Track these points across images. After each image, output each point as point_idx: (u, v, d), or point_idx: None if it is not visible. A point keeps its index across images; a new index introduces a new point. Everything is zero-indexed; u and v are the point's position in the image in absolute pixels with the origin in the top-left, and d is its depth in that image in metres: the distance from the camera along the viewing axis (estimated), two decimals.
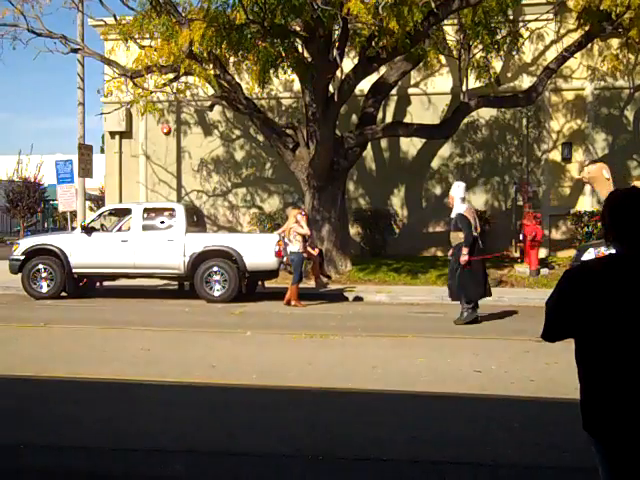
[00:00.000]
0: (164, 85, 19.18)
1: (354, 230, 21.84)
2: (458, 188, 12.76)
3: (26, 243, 17.23)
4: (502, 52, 19.98)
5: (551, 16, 21.15)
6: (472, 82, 19.87)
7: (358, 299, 16.37)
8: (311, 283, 17.03)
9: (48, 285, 16.45)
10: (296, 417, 6.81)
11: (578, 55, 20.01)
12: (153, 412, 6.97)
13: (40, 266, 16.43)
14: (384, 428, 6.36)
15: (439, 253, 21.87)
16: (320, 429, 6.39)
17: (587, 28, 18.48)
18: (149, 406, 7.21)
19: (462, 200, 12.62)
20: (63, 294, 16.43)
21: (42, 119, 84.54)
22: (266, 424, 6.51)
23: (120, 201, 23.25)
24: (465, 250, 12.13)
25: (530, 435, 6.14)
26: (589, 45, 19.73)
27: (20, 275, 16.50)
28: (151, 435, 6.24)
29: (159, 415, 6.83)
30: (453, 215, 12.60)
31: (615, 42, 19.64)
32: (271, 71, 19.01)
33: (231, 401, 7.47)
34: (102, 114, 22.74)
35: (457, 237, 12.42)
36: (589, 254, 14.23)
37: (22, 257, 16.56)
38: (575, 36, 19.52)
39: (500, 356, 9.56)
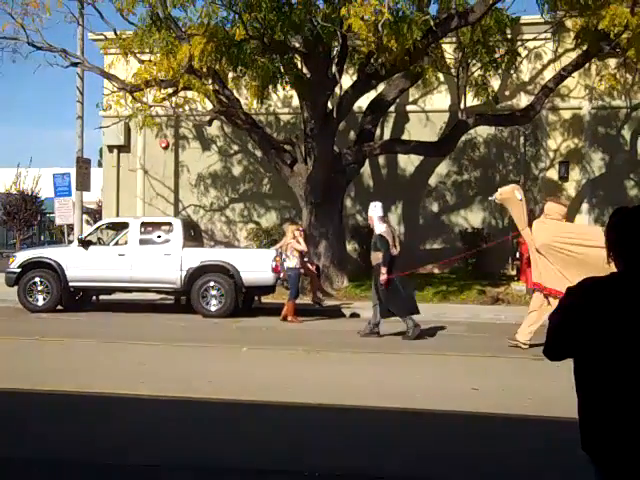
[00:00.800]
0: (163, 100, 19.20)
1: (351, 246, 21.84)
2: (375, 208, 12.90)
3: (23, 256, 17.19)
4: (500, 71, 20.08)
5: (549, 35, 21.26)
6: (470, 100, 19.94)
7: (354, 315, 16.35)
8: (308, 299, 17.00)
9: (44, 298, 16.40)
10: (292, 433, 6.79)
11: (576, 74, 20.09)
12: (144, 427, 6.94)
13: (36, 279, 16.38)
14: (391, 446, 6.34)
15: (436, 270, 21.87)
16: (310, 446, 6.37)
17: (585, 48, 18.57)
18: (141, 421, 7.18)
19: (381, 219, 12.80)
20: (59, 307, 16.38)
21: (41, 132, 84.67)
22: (258, 439, 6.49)
23: (117, 215, 23.24)
24: (384, 269, 12.33)
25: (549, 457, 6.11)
26: (587, 64, 19.80)
27: (16, 288, 16.44)
28: (139, 449, 6.21)
29: (149, 430, 6.81)
30: (374, 237, 12.76)
31: (613, 62, 19.75)
32: (270, 87, 19.10)
33: (220, 416, 7.43)
34: (101, 128, 22.79)
35: (377, 257, 12.61)
36: None
37: (18, 270, 16.53)
38: (573, 55, 19.62)
39: (497, 374, 9.54)
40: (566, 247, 11.39)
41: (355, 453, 6.14)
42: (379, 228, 12.69)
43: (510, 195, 12.52)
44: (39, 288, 16.41)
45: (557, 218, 11.92)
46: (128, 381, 8.80)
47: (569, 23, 19.37)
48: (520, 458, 6.03)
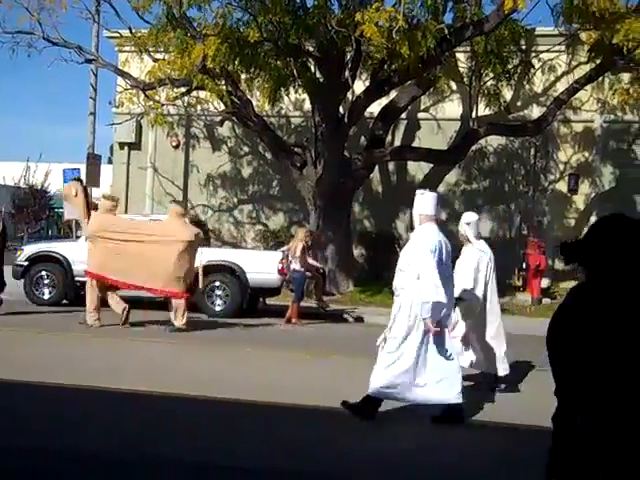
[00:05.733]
0: (175, 98, 19.29)
1: (358, 251, 21.85)
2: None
3: (30, 249, 17.26)
4: (513, 81, 20.11)
5: (563, 48, 21.23)
6: (482, 109, 19.97)
7: (359, 320, 16.35)
8: (313, 302, 17.00)
9: (50, 292, 16.45)
10: (292, 434, 6.81)
11: (588, 87, 20.08)
12: (149, 422, 6.97)
13: (43, 272, 16.42)
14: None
15: None
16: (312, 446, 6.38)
17: (598, 61, 18.57)
18: (143, 416, 7.21)
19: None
20: (64, 301, 16.42)
21: (52, 127, 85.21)
22: (256, 441, 6.51)
23: (125, 212, 23.26)
24: None
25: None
26: (600, 78, 19.80)
27: (23, 281, 16.49)
28: (152, 444, 6.24)
29: (151, 425, 6.84)
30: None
31: (626, 76, 19.71)
32: (282, 89, 19.17)
33: (223, 415, 7.45)
34: (112, 124, 22.88)
35: None
36: None
37: (26, 263, 16.58)
38: (586, 68, 19.61)
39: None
40: (114, 237, 13.02)
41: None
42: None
43: (68, 191, 13.82)
44: (45, 282, 16.45)
45: (108, 212, 13.46)
46: (130, 377, 8.81)
47: (583, 36, 19.36)
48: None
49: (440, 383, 7.02)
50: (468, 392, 8.48)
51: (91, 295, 13.13)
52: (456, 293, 7.98)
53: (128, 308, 13.17)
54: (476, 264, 8.68)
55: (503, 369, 8.89)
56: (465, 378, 7.76)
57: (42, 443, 6.09)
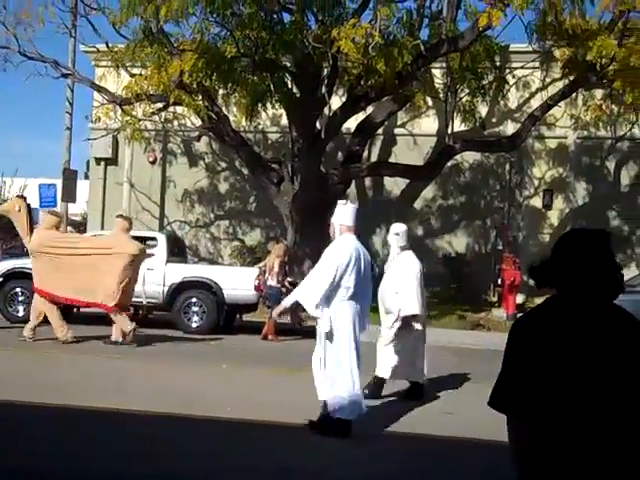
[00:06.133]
0: (152, 114, 19.26)
1: None
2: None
3: (4, 266, 17.10)
4: (488, 97, 20.27)
5: (537, 64, 21.49)
6: (457, 125, 20.11)
7: None
8: (289, 318, 16.95)
9: (25, 309, 16.23)
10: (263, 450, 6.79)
11: (562, 104, 20.29)
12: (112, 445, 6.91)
13: (18, 289, 16.26)
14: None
15: None
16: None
17: (572, 78, 18.80)
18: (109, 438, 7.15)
19: None
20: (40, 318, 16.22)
21: (27, 142, 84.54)
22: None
23: (102, 228, 23.15)
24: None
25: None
26: (573, 94, 20.03)
27: None
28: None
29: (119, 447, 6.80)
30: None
31: (599, 93, 19.97)
32: (259, 105, 19.20)
33: (192, 433, 7.41)
34: (89, 140, 22.81)
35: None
36: None
37: (0, 279, 16.42)
38: (560, 85, 19.84)
39: (474, 399, 9.56)
40: (57, 252, 13.04)
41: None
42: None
43: (10, 208, 13.99)
44: (20, 299, 16.27)
45: (51, 227, 13.51)
46: (100, 395, 8.73)
47: (557, 53, 19.58)
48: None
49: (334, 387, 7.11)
50: (393, 402, 8.67)
51: (49, 312, 13.10)
52: (404, 302, 8.50)
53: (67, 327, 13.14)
54: (418, 273, 8.97)
55: (425, 378, 9.14)
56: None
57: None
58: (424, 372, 9.09)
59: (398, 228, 9.29)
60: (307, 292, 7.10)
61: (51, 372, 10.37)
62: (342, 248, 7.15)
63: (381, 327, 9.08)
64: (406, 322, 8.75)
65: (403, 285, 8.67)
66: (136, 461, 6.26)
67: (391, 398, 9.18)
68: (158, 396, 8.71)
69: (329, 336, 7.14)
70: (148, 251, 16.63)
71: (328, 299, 7.04)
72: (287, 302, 7.33)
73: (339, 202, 7.67)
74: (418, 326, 8.82)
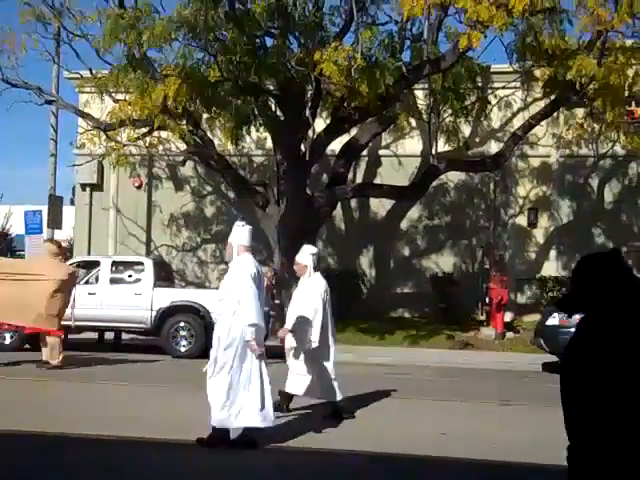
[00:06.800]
0: (137, 139, 19.30)
1: None
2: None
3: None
4: (471, 117, 20.44)
5: (518, 84, 21.70)
6: (441, 146, 20.24)
7: None
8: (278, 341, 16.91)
9: (11, 336, 16.15)
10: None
11: (544, 123, 20.49)
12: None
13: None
14: None
15: (406, 314, 21.98)
16: None
17: (553, 97, 18.98)
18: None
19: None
20: (26, 346, 16.14)
21: (11, 168, 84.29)
22: None
23: (89, 253, 23.13)
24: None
25: None
26: (555, 114, 20.20)
27: None
28: None
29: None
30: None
31: (580, 112, 20.17)
32: (243, 128, 19.27)
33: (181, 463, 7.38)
34: (74, 166, 22.81)
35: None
36: (553, 319, 14.39)
37: None
38: (541, 104, 20.04)
39: (465, 418, 9.59)
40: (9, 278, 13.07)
41: None
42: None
43: None
44: (6, 327, 16.17)
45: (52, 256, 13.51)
46: (82, 422, 8.67)
47: (537, 73, 19.77)
48: None
49: (254, 407, 7.29)
50: (306, 419, 8.87)
51: None
52: (303, 322, 8.78)
53: None
54: (322, 293, 9.16)
55: (339, 394, 9.19)
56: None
57: None
58: (336, 390, 9.23)
59: (312, 249, 9.62)
60: (253, 315, 7.24)
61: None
62: (245, 268, 7.44)
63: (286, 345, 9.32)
64: (304, 341, 8.93)
65: (305, 306, 8.95)
66: None
67: (305, 412, 9.36)
68: (141, 421, 8.67)
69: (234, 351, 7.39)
70: (135, 276, 16.68)
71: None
72: (249, 336, 7.28)
73: (236, 223, 8.00)
74: (314, 344, 8.92)
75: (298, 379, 9.06)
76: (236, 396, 7.28)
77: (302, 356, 9.03)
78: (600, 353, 2.97)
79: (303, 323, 8.89)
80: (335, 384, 9.20)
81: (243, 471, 6.91)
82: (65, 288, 13.29)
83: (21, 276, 13.27)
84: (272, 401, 7.53)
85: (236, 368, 7.35)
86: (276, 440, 7.62)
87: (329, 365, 9.25)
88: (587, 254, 3.35)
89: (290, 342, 9.06)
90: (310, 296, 9.03)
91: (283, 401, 9.11)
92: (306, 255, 9.33)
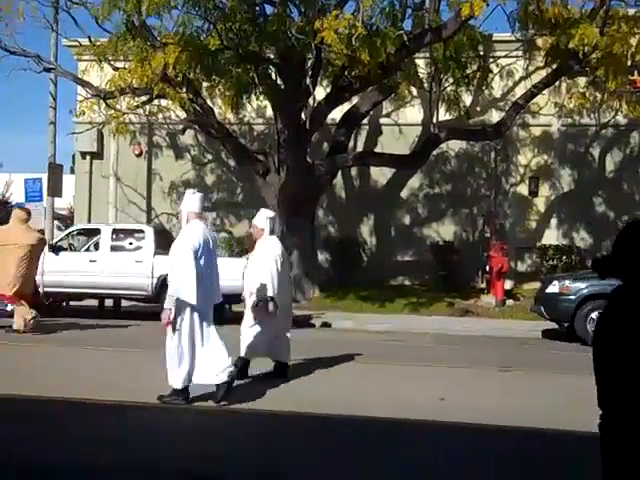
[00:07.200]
0: (137, 107, 19.23)
1: (322, 257, 21.93)
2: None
3: None
4: (472, 86, 20.36)
5: (520, 53, 21.57)
6: (442, 114, 20.17)
7: (325, 325, 16.43)
8: None
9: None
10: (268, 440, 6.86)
11: (546, 92, 20.41)
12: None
13: None
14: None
15: (406, 282, 22.05)
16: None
17: (555, 66, 18.89)
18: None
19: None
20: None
21: (11, 137, 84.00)
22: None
23: (89, 221, 23.16)
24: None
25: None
26: (557, 82, 20.13)
27: None
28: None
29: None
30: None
31: (582, 80, 20.05)
32: (244, 97, 19.21)
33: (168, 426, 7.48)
34: (73, 134, 22.74)
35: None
36: (554, 287, 14.47)
37: None
38: (543, 73, 19.92)
39: (464, 385, 9.67)
40: None
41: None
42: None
43: None
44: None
45: (20, 223, 13.53)
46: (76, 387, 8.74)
47: (540, 41, 19.66)
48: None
49: (207, 366, 7.73)
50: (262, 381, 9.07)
51: None
52: (261, 285, 9.00)
53: None
54: (279, 256, 9.29)
55: (289, 358, 9.57)
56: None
57: None
58: (288, 352, 9.51)
59: (270, 213, 9.84)
60: (183, 286, 7.50)
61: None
62: (192, 234, 7.71)
63: (245, 309, 9.54)
64: (263, 303, 9.09)
65: (261, 268, 9.12)
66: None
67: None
68: (137, 388, 8.75)
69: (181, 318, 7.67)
70: (136, 243, 16.74)
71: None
72: (168, 305, 7.57)
73: (188, 191, 8.25)
74: (271, 307, 9.08)
75: (253, 342, 9.23)
76: (190, 357, 7.68)
77: (253, 319, 9.25)
78: (634, 321, 2.97)
79: (260, 286, 9.09)
80: (289, 346, 9.51)
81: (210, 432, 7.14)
82: (33, 254, 13.39)
83: None
84: (227, 360, 7.81)
85: (187, 331, 7.66)
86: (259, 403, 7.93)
87: (285, 327, 9.52)
88: (634, 219, 3.32)
89: (249, 304, 9.29)
90: (265, 260, 9.21)
91: (242, 366, 9.20)
92: (263, 219, 9.54)
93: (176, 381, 7.73)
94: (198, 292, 7.49)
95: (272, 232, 9.54)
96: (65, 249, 17.11)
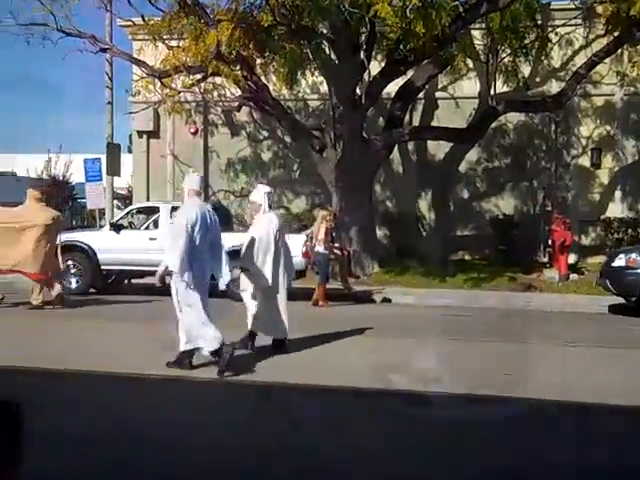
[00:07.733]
0: (192, 85, 19.29)
1: (381, 232, 21.81)
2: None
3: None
4: (530, 57, 19.92)
5: (580, 21, 20.99)
6: (500, 86, 19.81)
7: (385, 301, 16.35)
8: (338, 284, 16.99)
9: (77, 281, 16.60)
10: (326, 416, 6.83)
11: (607, 61, 19.84)
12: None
13: (69, 262, 16.50)
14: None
15: (467, 257, 21.80)
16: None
17: (616, 34, 18.33)
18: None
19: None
20: (92, 290, 16.54)
21: (70, 118, 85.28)
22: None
23: (147, 200, 23.37)
24: None
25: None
26: (618, 51, 19.55)
27: None
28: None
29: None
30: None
31: None
32: (298, 73, 19.12)
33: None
34: (130, 113, 22.92)
35: None
36: (620, 260, 14.19)
37: None
38: (604, 41, 19.34)
39: (529, 360, 9.51)
40: None
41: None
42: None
43: None
44: (72, 271, 16.58)
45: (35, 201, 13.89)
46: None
47: (600, 9, 19.10)
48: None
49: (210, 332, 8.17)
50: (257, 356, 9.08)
51: None
52: (255, 260, 9.22)
53: None
54: (273, 231, 9.40)
55: (284, 333, 9.63)
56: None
57: None
58: (285, 329, 9.57)
59: (267, 188, 9.96)
60: (172, 256, 8.02)
61: None
62: (189, 209, 8.32)
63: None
64: (256, 278, 9.33)
65: (255, 244, 9.31)
66: None
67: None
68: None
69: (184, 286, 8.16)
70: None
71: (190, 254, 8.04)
72: (160, 270, 8.16)
73: (189, 170, 9.04)
74: (266, 282, 9.27)
75: (252, 318, 9.38)
76: (205, 318, 8.21)
77: (255, 294, 9.38)
78: None
79: (255, 261, 9.23)
80: (285, 322, 9.54)
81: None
82: (50, 232, 13.59)
83: (3, 224, 13.52)
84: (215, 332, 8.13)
85: (191, 300, 8.19)
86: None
87: (281, 303, 9.55)
88: None
89: (244, 282, 9.44)
90: (261, 235, 9.32)
91: (248, 339, 9.43)
92: (260, 194, 9.65)
93: (210, 345, 8.12)
94: (183, 262, 7.93)
95: (270, 207, 9.73)
96: (125, 227, 17.31)
